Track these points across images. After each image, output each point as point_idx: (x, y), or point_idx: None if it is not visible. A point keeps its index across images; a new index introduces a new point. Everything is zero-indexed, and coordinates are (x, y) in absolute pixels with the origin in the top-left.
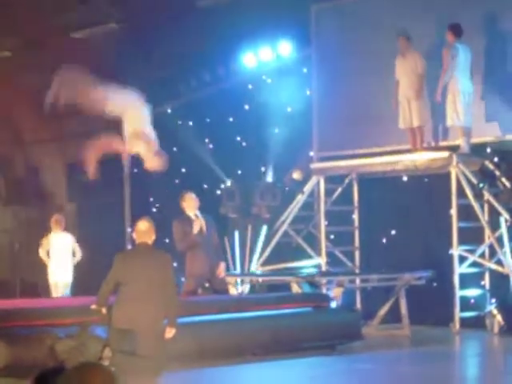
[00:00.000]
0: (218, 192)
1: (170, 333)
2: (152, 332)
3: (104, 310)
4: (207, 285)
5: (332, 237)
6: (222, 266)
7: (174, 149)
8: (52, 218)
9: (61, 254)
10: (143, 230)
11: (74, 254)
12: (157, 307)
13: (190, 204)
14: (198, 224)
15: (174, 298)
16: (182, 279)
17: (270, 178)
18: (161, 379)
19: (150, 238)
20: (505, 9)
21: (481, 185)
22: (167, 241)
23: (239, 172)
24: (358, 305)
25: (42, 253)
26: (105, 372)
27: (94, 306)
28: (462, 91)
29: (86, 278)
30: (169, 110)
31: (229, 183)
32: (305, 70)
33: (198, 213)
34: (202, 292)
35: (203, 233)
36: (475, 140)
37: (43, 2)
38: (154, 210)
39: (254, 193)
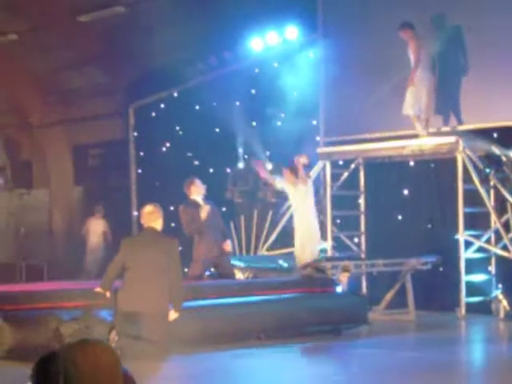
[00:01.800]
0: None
1: (172, 316)
2: (156, 315)
3: (108, 294)
4: (213, 269)
5: (338, 221)
6: (228, 242)
7: (181, 132)
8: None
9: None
10: (148, 212)
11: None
12: (162, 292)
13: (199, 189)
14: (206, 209)
15: (179, 283)
16: (185, 270)
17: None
18: (164, 362)
19: (157, 223)
20: None
21: (487, 170)
22: (173, 225)
23: (246, 157)
24: (364, 290)
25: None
26: (103, 349)
27: (98, 289)
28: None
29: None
30: (175, 94)
31: (241, 165)
32: (311, 55)
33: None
34: (206, 277)
35: (210, 217)
36: (482, 125)
37: None
38: (161, 194)
39: (259, 177)
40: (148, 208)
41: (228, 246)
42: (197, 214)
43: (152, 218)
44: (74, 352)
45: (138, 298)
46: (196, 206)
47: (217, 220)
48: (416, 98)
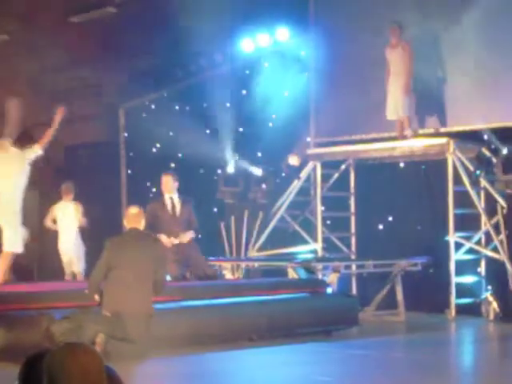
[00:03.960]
0: (215, 177)
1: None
2: (140, 316)
3: (97, 297)
4: (188, 273)
5: (328, 222)
6: (188, 233)
7: (171, 133)
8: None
9: (66, 223)
10: (134, 214)
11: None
12: (146, 292)
13: (166, 186)
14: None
15: (163, 283)
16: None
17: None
18: (149, 362)
19: (140, 224)
20: None
21: (477, 172)
22: None
23: (237, 158)
24: (354, 291)
25: (48, 221)
26: (90, 352)
27: (87, 291)
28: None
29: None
30: (165, 95)
31: (231, 169)
32: (302, 55)
33: (174, 196)
34: (189, 276)
35: (176, 217)
36: (473, 127)
37: None
38: (151, 194)
39: (250, 178)
40: (133, 209)
41: (185, 236)
42: (161, 213)
43: (137, 219)
44: (61, 355)
45: (122, 298)
46: (163, 204)
47: (184, 218)
48: (395, 100)
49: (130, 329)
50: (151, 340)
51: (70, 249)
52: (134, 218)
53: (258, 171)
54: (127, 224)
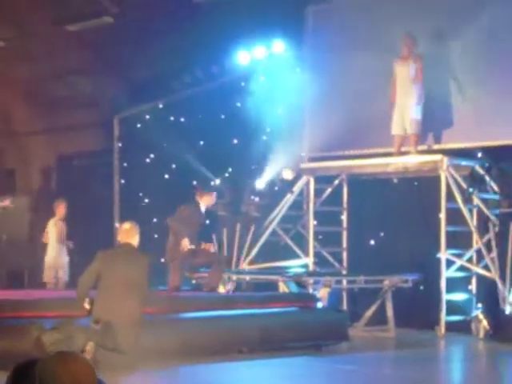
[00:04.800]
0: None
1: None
2: (129, 326)
3: (87, 306)
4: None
5: (320, 237)
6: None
7: (165, 144)
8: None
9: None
10: (126, 229)
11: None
12: (134, 304)
13: (210, 202)
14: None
15: (145, 299)
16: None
17: (263, 178)
18: (137, 373)
19: (134, 239)
20: None
21: (470, 189)
22: (156, 236)
23: (230, 169)
24: (344, 306)
25: (45, 238)
26: (81, 361)
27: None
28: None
29: (75, 272)
30: (161, 106)
31: (218, 181)
32: (298, 69)
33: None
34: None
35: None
36: (466, 145)
37: None
38: (143, 204)
39: (243, 191)
40: (126, 225)
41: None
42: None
43: (129, 234)
44: (53, 364)
45: (112, 308)
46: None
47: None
48: (404, 115)
49: (119, 339)
50: (141, 351)
51: (55, 263)
52: (126, 233)
53: (287, 174)
54: (120, 239)
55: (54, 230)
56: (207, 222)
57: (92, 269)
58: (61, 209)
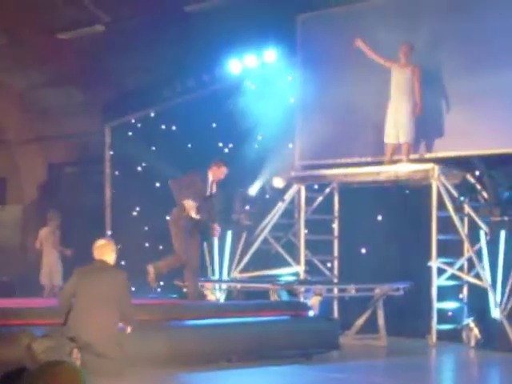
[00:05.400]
0: None
1: (130, 330)
2: (107, 343)
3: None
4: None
5: (311, 245)
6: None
7: (157, 153)
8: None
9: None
10: (99, 246)
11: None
12: (110, 322)
13: (220, 176)
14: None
15: (131, 312)
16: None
17: (254, 186)
18: (124, 381)
19: (109, 256)
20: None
21: (461, 198)
22: (147, 245)
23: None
24: (336, 314)
25: (37, 244)
26: (71, 370)
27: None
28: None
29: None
30: (152, 114)
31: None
32: (289, 78)
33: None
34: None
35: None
36: (458, 153)
37: (31, 1)
38: (135, 213)
39: (234, 199)
40: (101, 242)
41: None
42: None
43: (104, 251)
44: (45, 374)
45: (85, 327)
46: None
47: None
48: (398, 124)
49: (101, 354)
50: (130, 358)
51: (50, 272)
52: (100, 249)
53: (278, 182)
54: (95, 255)
55: (50, 238)
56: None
57: (68, 285)
58: (55, 219)
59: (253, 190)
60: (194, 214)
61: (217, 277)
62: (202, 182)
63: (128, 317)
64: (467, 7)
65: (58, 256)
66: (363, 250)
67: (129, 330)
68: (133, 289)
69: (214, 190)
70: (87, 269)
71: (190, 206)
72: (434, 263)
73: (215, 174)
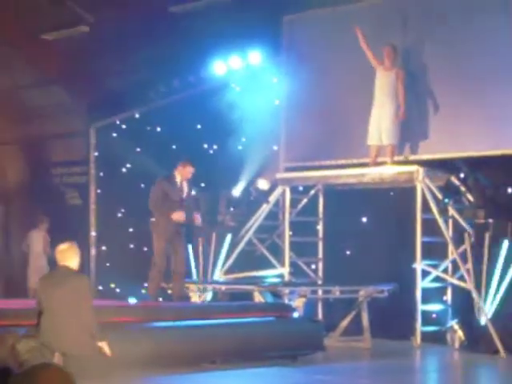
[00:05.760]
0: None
1: (105, 347)
2: (78, 349)
3: None
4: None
5: (296, 247)
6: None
7: (141, 154)
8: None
9: (36, 251)
10: (61, 250)
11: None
12: (77, 328)
13: (187, 174)
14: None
15: (92, 319)
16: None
17: (238, 188)
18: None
19: (72, 261)
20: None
21: (446, 200)
22: (132, 246)
23: (206, 179)
24: (320, 316)
25: (24, 246)
26: (60, 372)
27: None
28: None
29: None
30: (137, 115)
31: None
32: (274, 80)
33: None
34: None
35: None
36: (442, 155)
37: (16, 1)
38: (120, 214)
39: (219, 201)
40: (62, 246)
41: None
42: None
43: (66, 256)
44: (34, 376)
45: (54, 335)
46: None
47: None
48: (381, 126)
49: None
50: (113, 360)
51: (41, 272)
52: (62, 254)
53: (263, 184)
54: (58, 260)
55: (40, 241)
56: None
57: (37, 298)
58: (45, 223)
59: (236, 190)
60: (182, 218)
61: (202, 278)
62: (170, 187)
63: (91, 328)
64: (452, 11)
65: (46, 260)
66: (348, 252)
67: (104, 346)
68: (117, 290)
69: (186, 189)
70: (48, 276)
71: (179, 215)
72: (419, 265)
73: (182, 174)
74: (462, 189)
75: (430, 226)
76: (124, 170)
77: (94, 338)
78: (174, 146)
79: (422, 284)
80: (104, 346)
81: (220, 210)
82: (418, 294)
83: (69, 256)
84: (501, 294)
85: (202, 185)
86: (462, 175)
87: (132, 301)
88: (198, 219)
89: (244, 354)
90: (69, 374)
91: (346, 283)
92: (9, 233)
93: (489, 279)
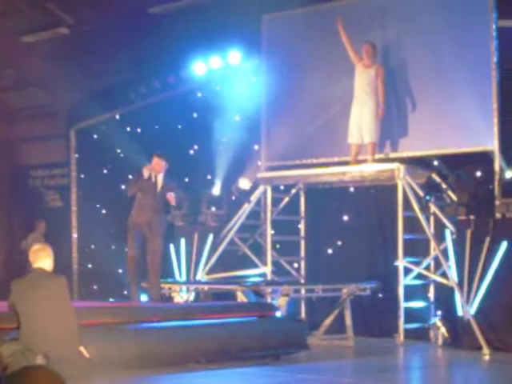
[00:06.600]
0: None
1: (82, 351)
2: (61, 352)
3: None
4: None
5: (278, 246)
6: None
7: (122, 155)
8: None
9: None
10: (34, 251)
11: None
12: (58, 329)
13: (157, 167)
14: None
15: (73, 319)
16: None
17: (217, 187)
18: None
19: (46, 262)
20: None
21: (427, 197)
22: (114, 247)
23: (186, 180)
24: (303, 315)
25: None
26: (50, 374)
27: None
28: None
29: None
30: (117, 117)
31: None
32: (254, 79)
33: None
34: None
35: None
36: (423, 153)
37: None
38: (101, 215)
39: (200, 201)
40: (35, 247)
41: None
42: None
43: (39, 256)
44: (26, 377)
45: (35, 340)
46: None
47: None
48: (361, 124)
49: (60, 363)
50: (98, 361)
51: None
52: (35, 255)
53: (244, 183)
54: (32, 262)
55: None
56: None
57: (9, 302)
58: (41, 226)
59: (215, 189)
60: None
61: (184, 278)
62: (141, 176)
63: (69, 323)
64: (432, 8)
65: None
66: (330, 251)
67: (85, 353)
68: (99, 291)
69: (160, 182)
70: (23, 280)
71: (171, 196)
72: (401, 262)
73: (154, 167)
74: (443, 186)
75: (412, 224)
76: (105, 171)
77: (76, 339)
78: (154, 147)
79: (404, 281)
80: (82, 349)
81: (201, 210)
82: (401, 292)
83: (42, 256)
84: (483, 290)
85: (186, 180)
86: (442, 172)
87: (113, 301)
88: (171, 197)
89: (227, 354)
90: (59, 375)
91: (329, 282)
92: None
93: (471, 275)
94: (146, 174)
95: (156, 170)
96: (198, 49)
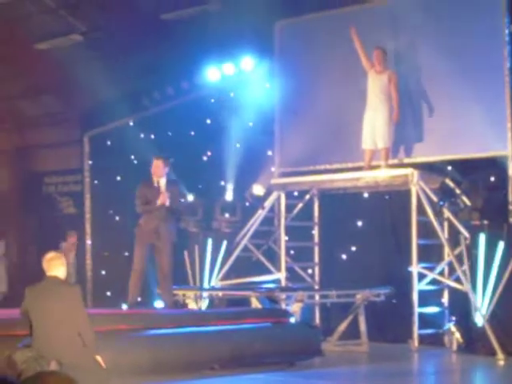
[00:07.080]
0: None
1: (99, 360)
2: (75, 361)
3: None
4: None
5: (292, 252)
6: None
7: (135, 162)
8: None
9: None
10: (48, 259)
11: None
12: (72, 341)
13: (156, 170)
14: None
15: (88, 329)
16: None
17: (230, 193)
18: None
19: (59, 271)
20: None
21: (441, 202)
22: (127, 254)
23: (200, 186)
24: (317, 321)
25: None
26: (65, 380)
27: None
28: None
29: None
30: (131, 123)
31: (191, 197)
32: (267, 85)
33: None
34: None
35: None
36: (436, 158)
37: (7, 11)
38: (114, 222)
39: (214, 207)
40: (48, 255)
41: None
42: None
43: (52, 265)
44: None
45: (48, 348)
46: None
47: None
48: (375, 130)
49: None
50: (112, 368)
51: None
52: (48, 263)
53: (258, 189)
54: (45, 270)
55: (68, 252)
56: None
57: (22, 308)
58: (73, 238)
59: (229, 196)
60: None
61: (198, 285)
62: (146, 188)
63: (87, 339)
64: (446, 12)
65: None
66: (344, 256)
67: (101, 363)
68: (113, 298)
69: (163, 185)
70: (38, 287)
71: (163, 196)
72: (415, 268)
73: (154, 171)
74: (457, 191)
75: (426, 229)
76: (118, 178)
77: (91, 348)
78: (168, 154)
79: (418, 287)
80: (98, 358)
81: (215, 217)
82: (415, 297)
83: (56, 265)
84: (497, 295)
85: (200, 186)
86: (456, 177)
87: (126, 308)
88: (163, 197)
89: (242, 360)
90: (73, 380)
91: (343, 287)
92: (5, 243)
93: (485, 281)
94: (155, 181)
95: (157, 175)
96: (211, 55)
